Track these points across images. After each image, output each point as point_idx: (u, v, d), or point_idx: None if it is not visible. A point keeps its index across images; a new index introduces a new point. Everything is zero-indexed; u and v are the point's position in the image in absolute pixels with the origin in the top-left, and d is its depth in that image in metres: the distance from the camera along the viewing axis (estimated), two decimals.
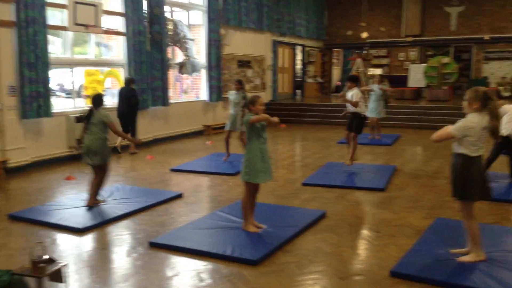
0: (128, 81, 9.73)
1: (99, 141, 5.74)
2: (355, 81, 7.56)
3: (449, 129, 3.83)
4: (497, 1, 16.84)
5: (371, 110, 10.33)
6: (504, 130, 6.28)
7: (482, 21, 17.12)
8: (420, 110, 14.03)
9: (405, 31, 18.38)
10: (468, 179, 3.81)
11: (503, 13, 16.82)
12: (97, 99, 5.88)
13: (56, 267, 3.16)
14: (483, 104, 3.77)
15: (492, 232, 4.63)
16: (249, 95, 8.06)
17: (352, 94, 7.32)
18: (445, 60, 15.69)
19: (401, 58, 18.77)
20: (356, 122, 7.43)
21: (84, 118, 5.87)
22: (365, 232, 4.90)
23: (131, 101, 9.56)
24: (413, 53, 18.57)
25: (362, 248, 4.48)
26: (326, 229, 4.94)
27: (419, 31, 18.09)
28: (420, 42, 18.32)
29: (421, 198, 6.13)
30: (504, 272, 3.70)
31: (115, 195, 6.22)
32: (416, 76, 17.13)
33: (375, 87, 10.60)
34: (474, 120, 3.77)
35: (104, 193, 6.16)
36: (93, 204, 5.79)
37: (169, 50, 11.40)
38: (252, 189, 4.76)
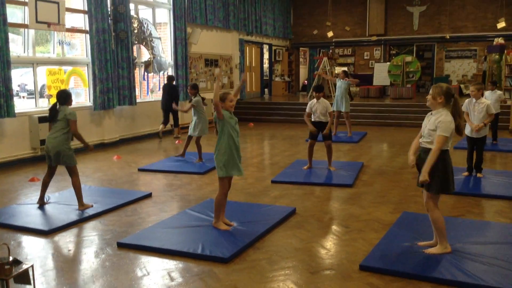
0: (170, 79, 11.34)
1: (64, 139, 5.45)
2: (322, 90, 7.55)
3: (441, 137, 3.80)
4: (457, 1, 17.34)
5: (337, 104, 10.78)
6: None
7: (443, 21, 17.60)
8: (385, 108, 14.31)
9: (369, 31, 18.71)
10: (448, 172, 3.94)
11: (463, 13, 17.35)
12: (62, 95, 5.55)
13: (22, 269, 3.07)
14: (447, 99, 3.91)
15: (457, 225, 4.76)
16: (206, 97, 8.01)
17: (324, 107, 7.30)
18: (408, 58, 16.05)
19: (366, 57, 19.11)
20: (328, 130, 7.41)
21: (49, 116, 5.54)
22: (334, 227, 4.96)
23: (174, 95, 11.05)
24: (378, 52, 18.93)
25: (332, 243, 4.53)
26: (296, 225, 4.98)
27: (383, 30, 18.46)
28: (384, 41, 18.68)
29: (388, 193, 6.25)
30: (469, 263, 3.80)
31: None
32: (381, 74, 17.45)
33: (340, 81, 10.89)
34: (448, 116, 3.87)
35: (68, 194, 6.01)
36: (84, 208, 5.55)
37: (134, 48, 11.25)
38: (226, 185, 4.75)
